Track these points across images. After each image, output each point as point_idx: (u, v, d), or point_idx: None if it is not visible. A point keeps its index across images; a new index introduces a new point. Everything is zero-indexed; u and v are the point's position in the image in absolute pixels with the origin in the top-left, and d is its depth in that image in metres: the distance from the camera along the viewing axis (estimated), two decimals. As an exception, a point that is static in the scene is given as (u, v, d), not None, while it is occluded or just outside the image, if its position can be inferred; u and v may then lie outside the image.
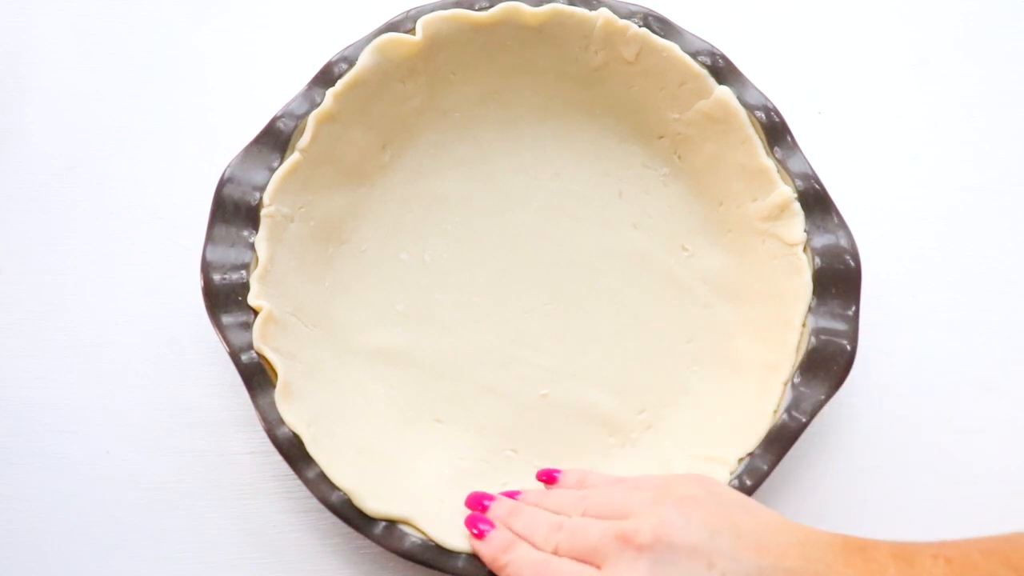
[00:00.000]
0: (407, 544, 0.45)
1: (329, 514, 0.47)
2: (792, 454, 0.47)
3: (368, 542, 0.47)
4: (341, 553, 0.49)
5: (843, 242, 0.48)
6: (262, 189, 0.47)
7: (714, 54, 0.49)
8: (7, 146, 0.51)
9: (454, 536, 0.45)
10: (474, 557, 0.45)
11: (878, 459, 0.50)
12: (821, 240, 0.48)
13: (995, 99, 0.54)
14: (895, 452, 0.51)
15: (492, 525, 0.44)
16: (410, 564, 0.47)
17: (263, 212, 0.47)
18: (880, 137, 0.53)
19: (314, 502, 0.47)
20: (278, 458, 0.46)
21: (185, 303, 0.50)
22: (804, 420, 0.47)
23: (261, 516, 0.49)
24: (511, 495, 0.46)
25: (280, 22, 0.53)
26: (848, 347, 0.47)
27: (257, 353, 0.45)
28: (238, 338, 0.45)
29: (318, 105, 0.47)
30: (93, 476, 0.49)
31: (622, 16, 0.48)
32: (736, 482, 0.46)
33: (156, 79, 0.52)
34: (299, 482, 0.46)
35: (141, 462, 0.49)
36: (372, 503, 0.45)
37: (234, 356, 0.45)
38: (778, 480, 0.49)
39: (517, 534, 0.43)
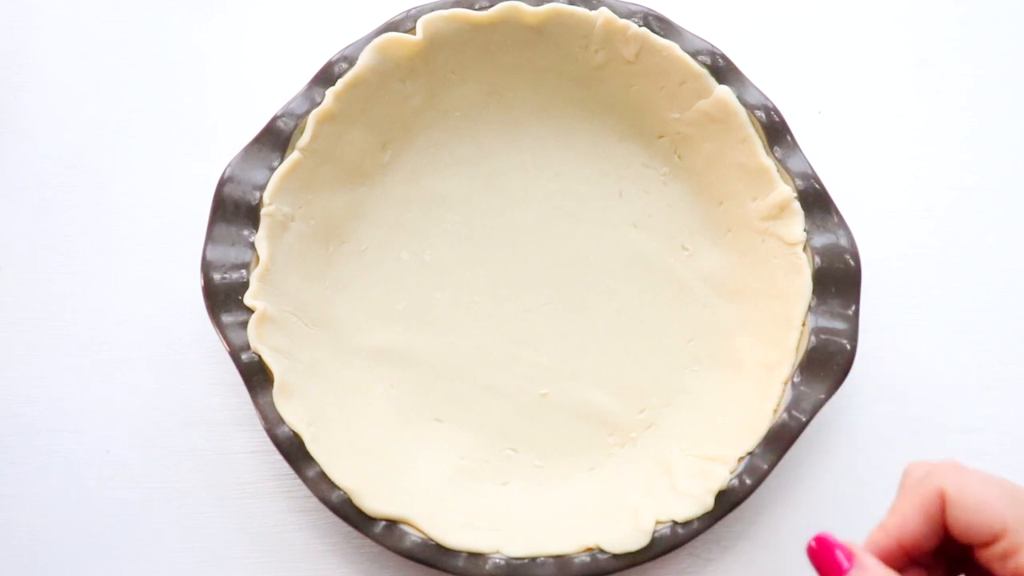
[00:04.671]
0: (407, 543, 0.45)
1: (329, 514, 0.47)
2: (792, 454, 0.47)
3: (368, 541, 0.47)
4: (341, 553, 0.48)
5: (843, 241, 0.48)
6: (262, 188, 0.47)
7: (714, 53, 0.49)
8: (7, 146, 0.51)
9: (454, 535, 0.45)
10: (474, 556, 0.45)
11: (878, 459, 0.50)
12: (821, 239, 0.48)
13: (994, 99, 0.54)
14: (895, 452, 0.50)
15: None
16: (410, 563, 0.47)
17: (263, 211, 0.47)
18: (880, 137, 0.53)
19: (314, 501, 0.47)
20: (278, 458, 0.46)
21: (185, 303, 0.50)
22: (804, 419, 0.47)
23: (261, 516, 0.49)
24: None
25: (280, 21, 0.53)
26: (848, 347, 0.47)
27: (255, 352, 0.45)
28: (238, 337, 0.45)
29: (318, 104, 0.47)
30: (93, 476, 0.49)
31: (622, 16, 0.48)
32: (736, 481, 0.46)
33: (156, 79, 0.52)
34: (299, 481, 0.46)
35: (141, 462, 0.49)
36: (372, 502, 0.45)
37: (234, 355, 0.45)
38: (778, 480, 0.49)
39: None
